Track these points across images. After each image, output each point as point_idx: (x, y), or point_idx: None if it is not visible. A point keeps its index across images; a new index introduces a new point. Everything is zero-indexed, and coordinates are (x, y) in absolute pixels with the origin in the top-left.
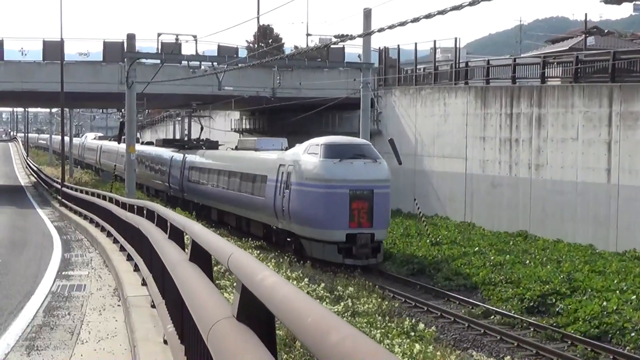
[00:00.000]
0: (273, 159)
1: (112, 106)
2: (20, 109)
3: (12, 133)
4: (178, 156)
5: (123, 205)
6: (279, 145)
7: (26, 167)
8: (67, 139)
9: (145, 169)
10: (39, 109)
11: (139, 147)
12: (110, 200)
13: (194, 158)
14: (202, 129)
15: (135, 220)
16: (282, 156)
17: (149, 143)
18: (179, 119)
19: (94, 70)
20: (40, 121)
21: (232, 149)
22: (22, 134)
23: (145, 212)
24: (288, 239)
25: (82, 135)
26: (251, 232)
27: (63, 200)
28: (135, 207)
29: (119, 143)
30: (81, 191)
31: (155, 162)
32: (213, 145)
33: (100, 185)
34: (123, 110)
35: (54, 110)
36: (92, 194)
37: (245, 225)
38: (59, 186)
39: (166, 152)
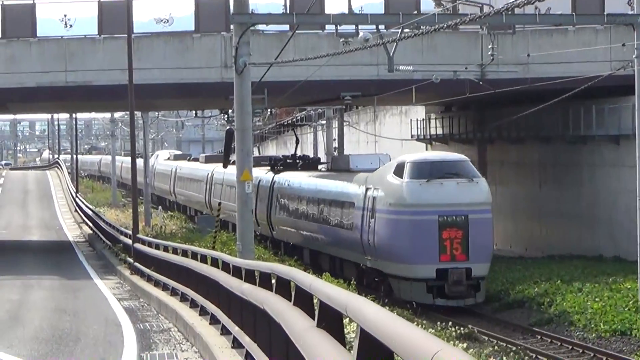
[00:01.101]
0: (360, 181)
1: (211, 105)
2: (64, 116)
3: (50, 154)
4: (266, 179)
5: (236, 271)
6: (377, 163)
7: (75, 211)
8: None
9: (224, 198)
10: (92, 114)
11: (211, 167)
12: (215, 263)
13: (282, 182)
14: (297, 141)
15: (257, 298)
16: (370, 178)
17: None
18: (323, 122)
19: (181, 46)
20: (96, 134)
21: (326, 169)
22: (68, 156)
23: (274, 282)
24: (376, 279)
25: (152, 155)
26: (345, 275)
27: (136, 264)
28: (256, 273)
29: (225, 165)
30: (165, 249)
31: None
32: (312, 163)
33: (197, 237)
34: (231, 111)
35: (117, 115)
36: (184, 254)
37: (339, 267)
38: (130, 241)
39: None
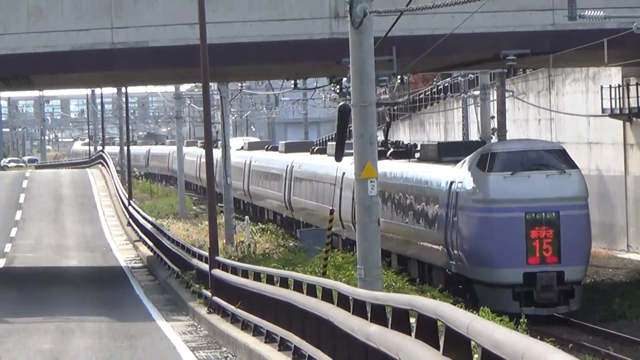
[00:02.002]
0: (445, 174)
1: (317, 72)
2: (110, 91)
3: (90, 144)
4: (350, 171)
5: (358, 307)
6: (468, 152)
7: (128, 225)
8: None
9: (307, 196)
10: (149, 88)
11: (291, 157)
12: (327, 295)
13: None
14: (388, 125)
15: (390, 345)
16: (455, 171)
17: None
18: (476, 93)
19: None
20: (154, 115)
21: (417, 159)
22: (116, 147)
23: (414, 322)
24: (460, 286)
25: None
26: (433, 283)
27: (215, 298)
28: (387, 310)
29: (338, 159)
30: (257, 276)
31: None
32: (406, 152)
33: (300, 259)
34: (345, 80)
35: (183, 88)
36: (283, 283)
37: (427, 274)
38: (206, 266)
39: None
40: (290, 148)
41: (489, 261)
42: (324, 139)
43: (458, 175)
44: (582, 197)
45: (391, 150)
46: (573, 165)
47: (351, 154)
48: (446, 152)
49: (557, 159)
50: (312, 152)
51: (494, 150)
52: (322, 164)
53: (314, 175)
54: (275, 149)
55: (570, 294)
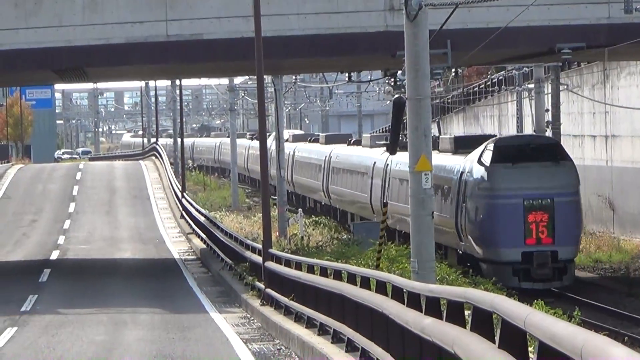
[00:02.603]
0: (457, 165)
1: (371, 65)
2: (163, 83)
3: (144, 136)
4: (381, 161)
5: (412, 300)
6: (479, 144)
7: (181, 217)
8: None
9: (346, 185)
10: (203, 81)
11: (329, 148)
12: (381, 288)
13: (394, 164)
14: (438, 124)
15: (445, 338)
16: (464, 162)
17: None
18: (531, 86)
19: None
20: (207, 107)
21: (435, 151)
22: (170, 140)
23: (469, 315)
24: (468, 264)
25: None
26: (448, 262)
27: (268, 290)
28: (442, 303)
29: (392, 151)
30: (310, 269)
31: (355, 169)
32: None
33: (353, 251)
34: (400, 73)
35: (237, 81)
36: (337, 276)
37: (444, 255)
38: (259, 259)
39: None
40: (330, 139)
41: (492, 242)
42: (377, 131)
43: (467, 166)
44: (573, 185)
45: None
46: (567, 158)
47: (382, 145)
48: (460, 145)
49: (552, 151)
50: (348, 144)
51: (497, 144)
52: (357, 154)
53: (349, 165)
54: (317, 140)
55: (564, 270)
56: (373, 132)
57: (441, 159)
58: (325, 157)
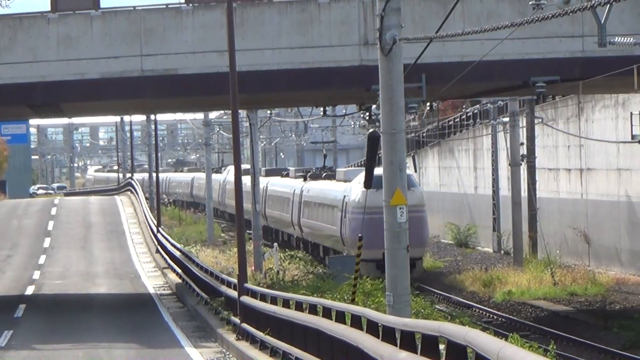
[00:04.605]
0: (341, 190)
1: (346, 99)
2: (139, 118)
3: (119, 171)
4: (299, 187)
5: (387, 334)
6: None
7: (157, 252)
8: (244, 181)
9: (312, 217)
10: (178, 116)
11: (300, 182)
12: (356, 322)
13: (306, 190)
14: (325, 155)
15: None
16: (346, 187)
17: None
18: (506, 120)
19: (303, 17)
20: (183, 142)
21: (336, 179)
22: (144, 175)
23: (443, 349)
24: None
25: (224, 169)
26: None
27: (244, 325)
28: (417, 336)
29: (367, 185)
30: (286, 303)
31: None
32: (332, 174)
33: (329, 286)
34: (375, 107)
35: (212, 116)
36: (312, 310)
37: (333, 254)
38: (235, 293)
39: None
40: (269, 173)
41: (362, 245)
42: (352, 165)
43: (348, 190)
44: (421, 204)
45: (324, 174)
46: (415, 185)
47: (330, 177)
48: (352, 174)
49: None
50: (322, 178)
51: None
52: (313, 187)
53: (311, 197)
54: (288, 174)
55: (413, 265)
56: (348, 167)
57: (335, 185)
58: (294, 190)
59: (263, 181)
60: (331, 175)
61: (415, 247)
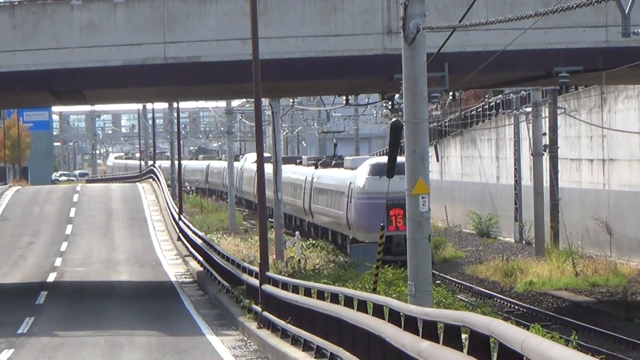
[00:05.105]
0: (348, 177)
1: (369, 88)
2: (161, 106)
3: (141, 159)
4: (309, 174)
5: (409, 323)
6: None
7: (178, 239)
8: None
9: (322, 203)
10: (200, 104)
11: (311, 170)
12: (378, 311)
13: (316, 177)
14: (335, 145)
15: None
16: (352, 174)
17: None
18: (528, 110)
19: (326, 5)
20: (205, 130)
21: (344, 167)
22: (167, 162)
23: (466, 338)
24: (351, 245)
25: (241, 157)
26: (339, 245)
27: (265, 313)
28: (439, 326)
29: (390, 175)
30: (307, 292)
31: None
32: (341, 162)
33: (351, 275)
34: (397, 96)
35: (235, 104)
36: (334, 299)
37: (338, 240)
38: (256, 282)
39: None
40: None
41: (367, 229)
42: (375, 154)
43: (353, 177)
44: None
45: (334, 162)
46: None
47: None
48: (358, 162)
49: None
50: (332, 166)
51: (370, 163)
52: (334, 175)
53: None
54: (301, 162)
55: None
56: (371, 155)
57: (342, 173)
58: (307, 178)
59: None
60: (340, 164)
61: None
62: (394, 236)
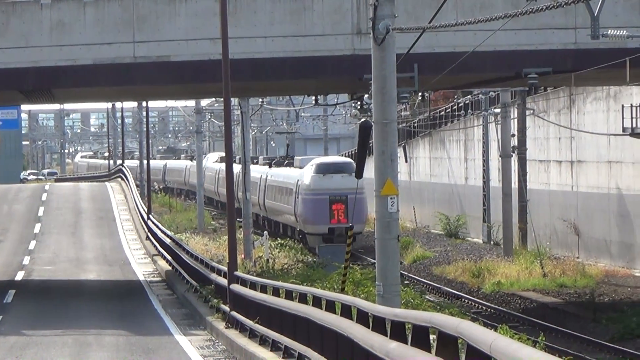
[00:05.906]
0: (296, 175)
1: (338, 88)
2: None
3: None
4: (263, 172)
5: (377, 324)
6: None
7: (147, 239)
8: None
9: (270, 198)
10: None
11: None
12: (346, 311)
13: (270, 175)
14: (288, 145)
15: None
16: (300, 173)
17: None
18: (497, 111)
19: (296, 5)
20: (174, 130)
21: (294, 166)
22: (135, 162)
23: (434, 339)
24: (300, 236)
25: (204, 157)
26: (289, 236)
27: (233, 313)
28: (407, 326)
29: (358, 175)
30: (276, 291)
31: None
32: (292, 161)
33: (319, 275)
34: (367, 96)
35: (204, 103)
36: (302, 299)
37: (288, 232)
38: (224, 281)
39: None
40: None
41: (312, 221)
42: (343, 154)
43: (301, 176)
44: (361, 188)
45: (286, 161)
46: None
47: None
48: (305, 162)
49: (348, 167)
50: (284, 165)
51: (316, 162)
52: (284, 173)
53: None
54: (257, 162)
55: (354, 239)
56: (340, 155)
57: (291, 172)
58: (262, 176)
59: (236, 168)
60: (291, 163)
61: (357, 224)
62: (336, 228)
